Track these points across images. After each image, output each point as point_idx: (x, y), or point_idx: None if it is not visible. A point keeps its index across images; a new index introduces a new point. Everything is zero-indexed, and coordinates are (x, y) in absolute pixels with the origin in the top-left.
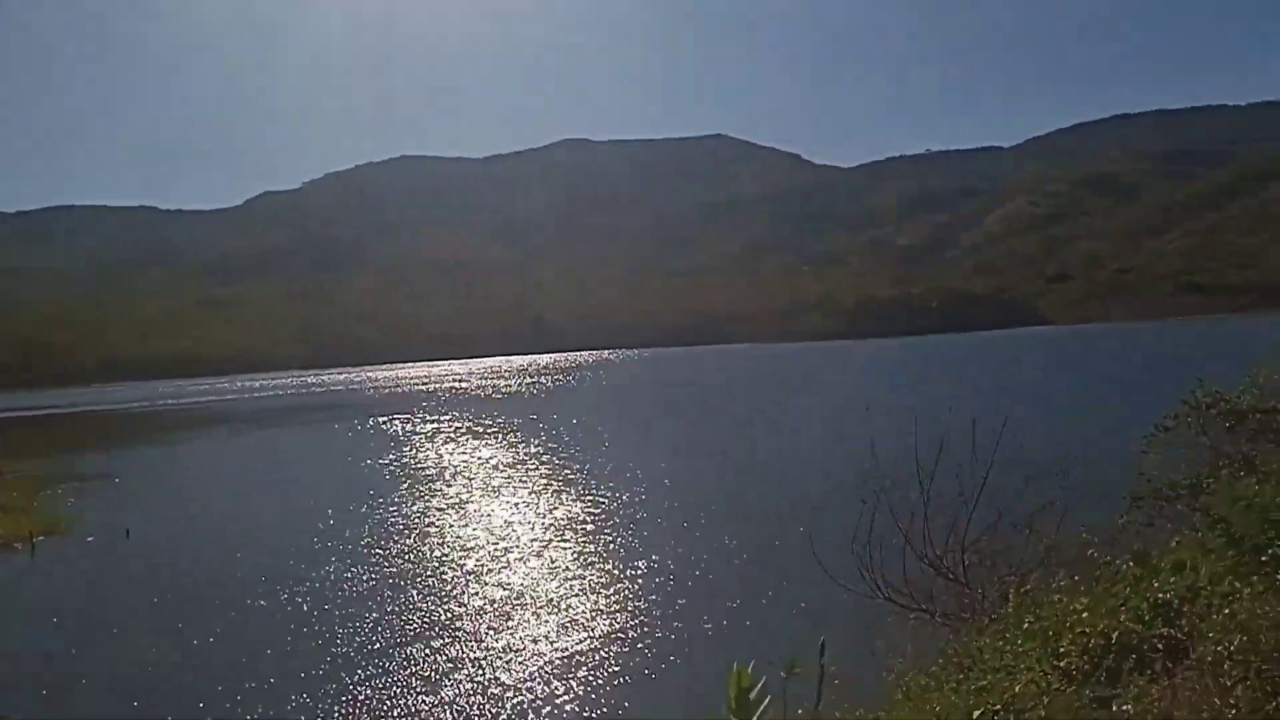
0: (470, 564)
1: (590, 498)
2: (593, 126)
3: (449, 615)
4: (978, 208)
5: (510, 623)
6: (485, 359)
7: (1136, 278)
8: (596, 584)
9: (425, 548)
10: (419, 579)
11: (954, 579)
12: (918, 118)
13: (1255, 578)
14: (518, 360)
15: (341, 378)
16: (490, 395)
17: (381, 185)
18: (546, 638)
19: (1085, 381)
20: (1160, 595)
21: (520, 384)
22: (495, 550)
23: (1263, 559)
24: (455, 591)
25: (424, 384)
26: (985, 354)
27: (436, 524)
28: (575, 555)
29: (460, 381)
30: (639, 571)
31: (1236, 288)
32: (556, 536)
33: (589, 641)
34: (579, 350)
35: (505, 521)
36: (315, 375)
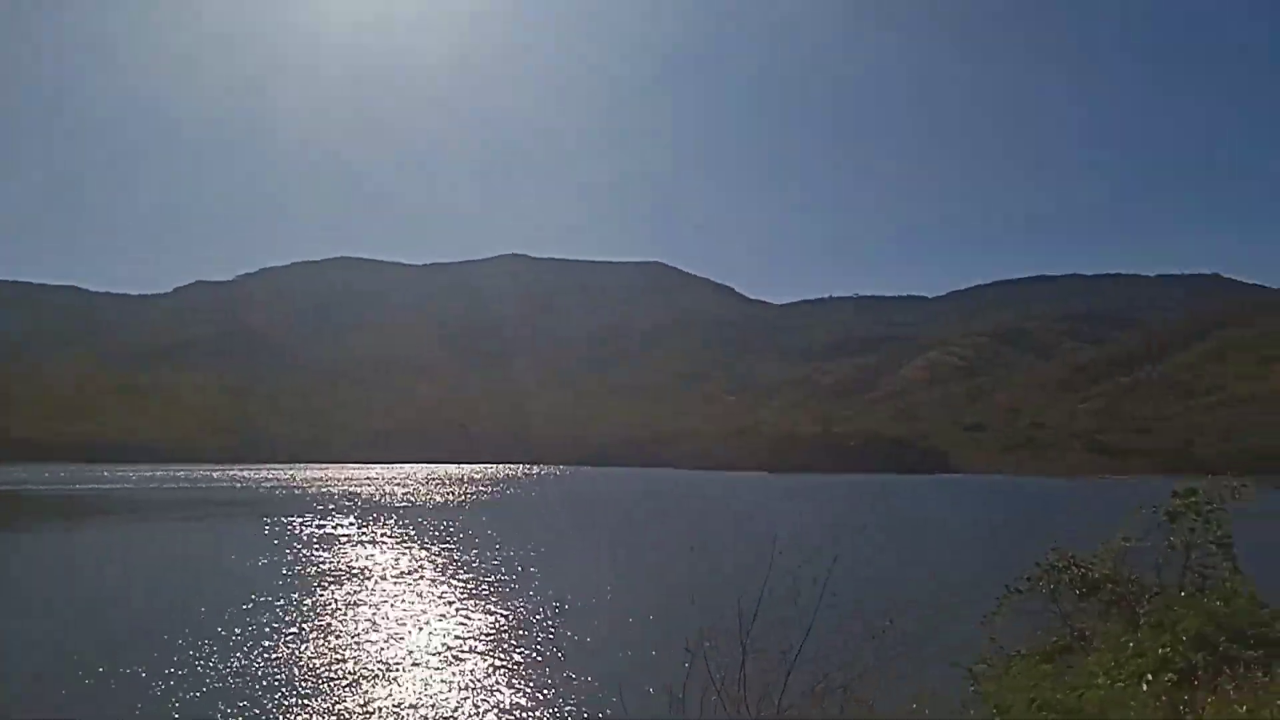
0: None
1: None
2: (534, 244)
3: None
4: (901, 353)
5: None
6: (411, 464)
7: (1049, 434)
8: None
9: (300, 649)
10: (286, 681)
11: None
12: (848, 261)
13: None
14: (442, 469)
15: (262, 475)
16: (409, 502)
17: (317, 284)
18: None
19: (969, 529)
20: None
21: (435, 493)
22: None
23: None
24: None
25: (346, 485)
26: (893, 496)
27: (317, 627)
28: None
29: (383, 486)
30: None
31: (1139, 452)
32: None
33: None
34: (502, 463)
35: (378, 627)
36: (235, 470)
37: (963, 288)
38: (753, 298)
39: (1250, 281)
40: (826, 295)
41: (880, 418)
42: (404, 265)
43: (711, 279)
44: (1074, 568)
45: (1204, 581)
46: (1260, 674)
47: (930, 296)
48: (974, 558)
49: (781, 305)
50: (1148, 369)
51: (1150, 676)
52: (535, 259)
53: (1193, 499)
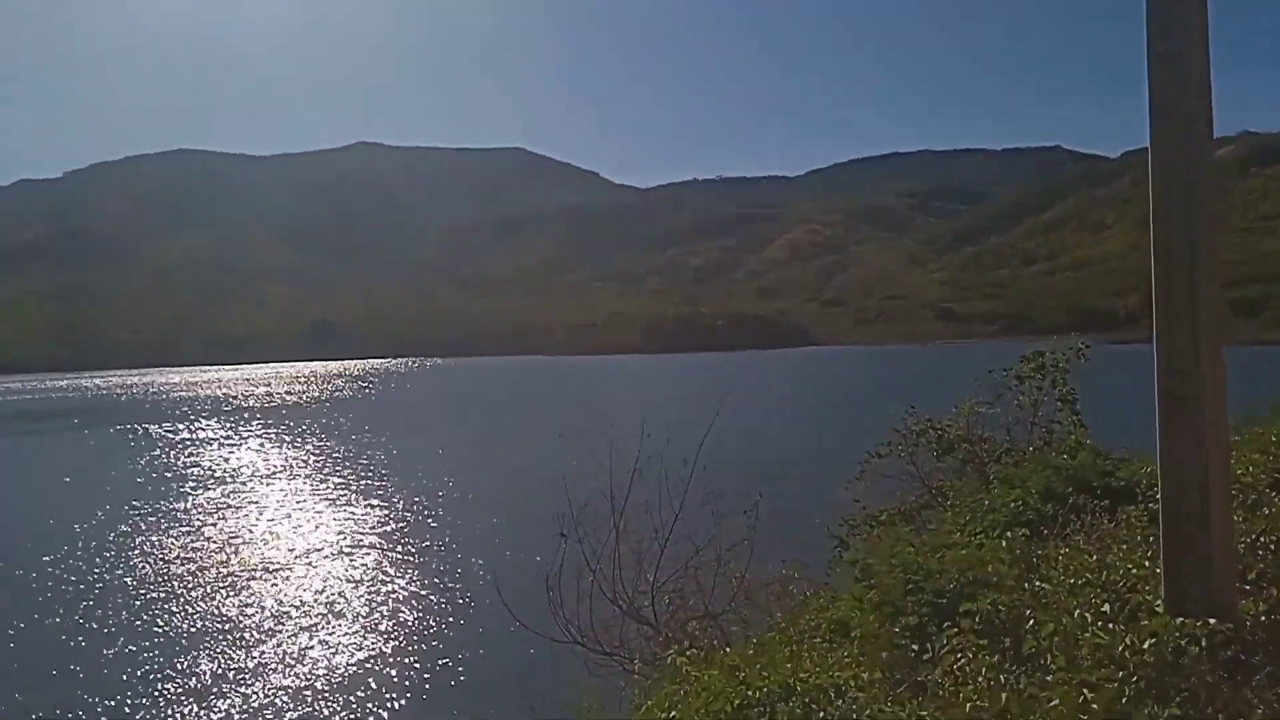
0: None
1: (337, 515)
2: (386, 132)
3: (201, 624)
4: (763, 234)
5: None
6: (262, 365)
7: (901, 305)
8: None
9: (177, 556)
10: (171, 586)
11: (645, 622)
12: (711, 144)
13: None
14: (301, 368)
15: (100, 382)
16: (269, 403)
17: (154, 179)
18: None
19: (830, 400)
20: (753, 690)
21: (294, 392)
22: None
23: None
24: (202, 599)
25: (201, 390)
26: (756, 371)
27: (191, 532)
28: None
29: (235, 388)
30: (304, 621)
31: (987, 316)
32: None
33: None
34: (365, 358)
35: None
36: (70, 379)
37: (822, 167)
38: (619, 183)
39: (1090, 152)
40: (691, 178)
41: (744, 297)
42: (248, 157)
43: (575, 164)
44: (930, 430)
45: (1051, 437)
46: (1107, 521)
47: (791, 176)
48: (837, 426)
49: (647, 190)
50: (993, 240)
51: (1009, 534)
52: (389, 148)
53: (1039, 360)
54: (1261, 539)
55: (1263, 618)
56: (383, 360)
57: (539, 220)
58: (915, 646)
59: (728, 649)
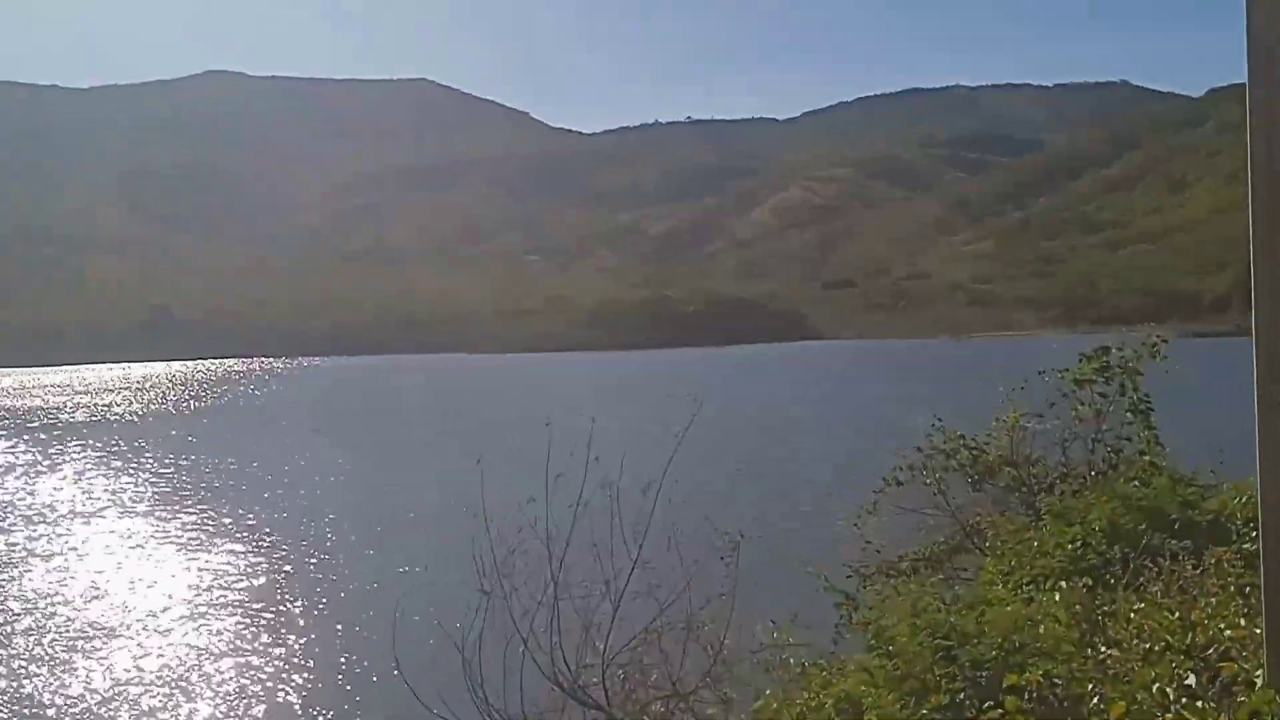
0: None
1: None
2: (246, 57)
3: None
4: (746, 193)
5: None
6: (84, 366)
7: (925, 287)
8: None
9: None
10: None
11: (593, 705)
12: (677, 78)
13: None
14: (132, 370)
15: None
16: (97, 416)
17: None
18: None
19: (834, 409)
20: None
21: (129, 401)
22: None
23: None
24: None
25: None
26: (739, 372)
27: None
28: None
29: (48, 396)
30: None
31: (1036, 300)
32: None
33: None
34: (221, 357)
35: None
36: None
37: (820, 107)
38: (556, 126)
39: (1166, 90)
40: (652, 120)
41: (723, 276)
42: (62, 90)
43: (500, 102)
44: (964, 449)
45: (1118, 458)
46: (1191, 567)
47: (781, 119)
48: (840, 444)
49: (595, 135)
50: (1043, 202)
51: (1065, 585)
52: (251, 78)
53: (1103, 359)
54: None
55: None
56: (245, 359)
57: (451, 173)
58: None
59: None
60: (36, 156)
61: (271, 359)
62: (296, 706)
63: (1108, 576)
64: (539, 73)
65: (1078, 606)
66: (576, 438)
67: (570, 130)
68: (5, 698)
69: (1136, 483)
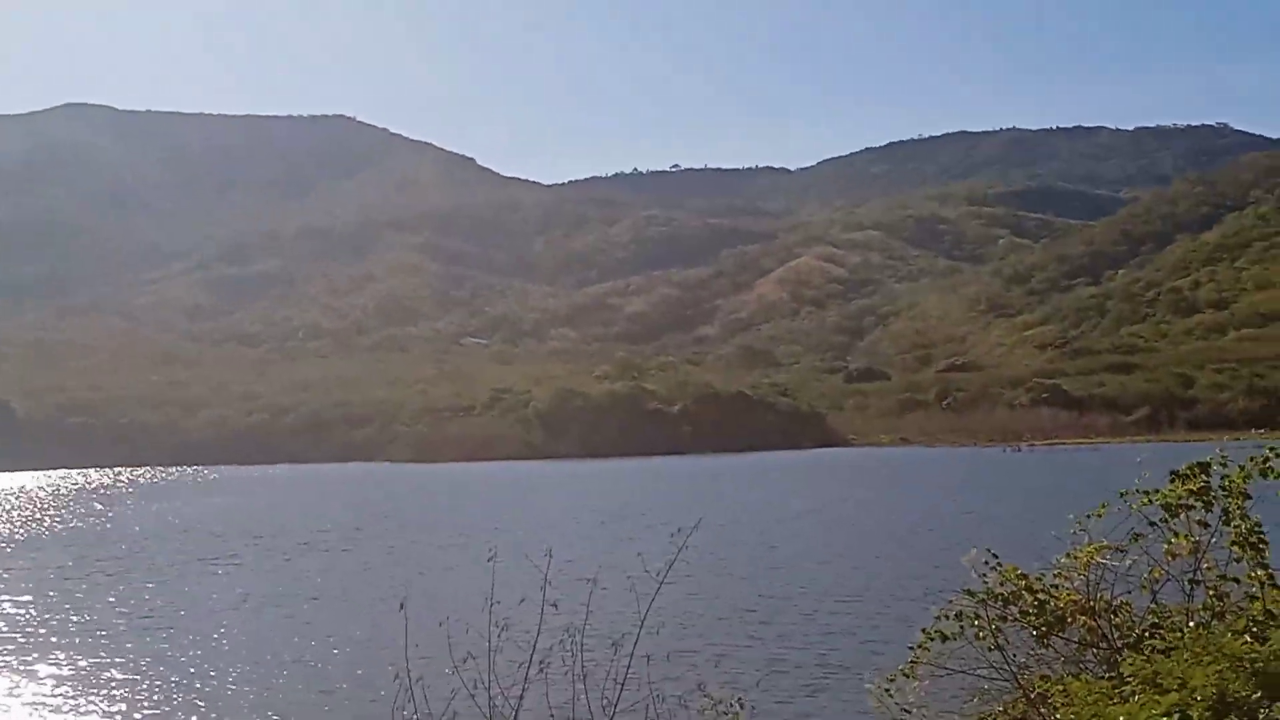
0: None
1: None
2: (109, 89)
3: None
4: (749, 261)
5: None
6: None
7: (977, 380)
8: None
9: None
10: None
11: None
12: (661, 120)
13: None
14: None
15: None
16: None
17: None
18: None
19: (858, 537)
20: None
21: None
22: None
23: None
24: None
25: None
26: (736, 490)
27: None
28: None
29: None
30: None
31: (1115, 401)
32: None
33: None
34: (57, 468)
35: None
36: None
37: (842, 154)
38: (508, 175)
39: (1277, 136)
40: (630, 169)
41: (718, 366)
42: None
43: (438, 145)
44: (1027, 593)
45: (1224, 605)
46: None
47: (794, 169)
48: (867, 583)
49: (556, 187)
50: (1123, 276)
51: None
52: (116, 112)
53: (1202, 479)
54: None
55: None
56: (95, 470)
57: (373, 235)
58: None
59: None
60: None
61: (132, 467)
62: None
63: None
64: (487, 108)
65: None
66: (528, 576)
67: (525, 180)
68: None
69: (1248, 637)
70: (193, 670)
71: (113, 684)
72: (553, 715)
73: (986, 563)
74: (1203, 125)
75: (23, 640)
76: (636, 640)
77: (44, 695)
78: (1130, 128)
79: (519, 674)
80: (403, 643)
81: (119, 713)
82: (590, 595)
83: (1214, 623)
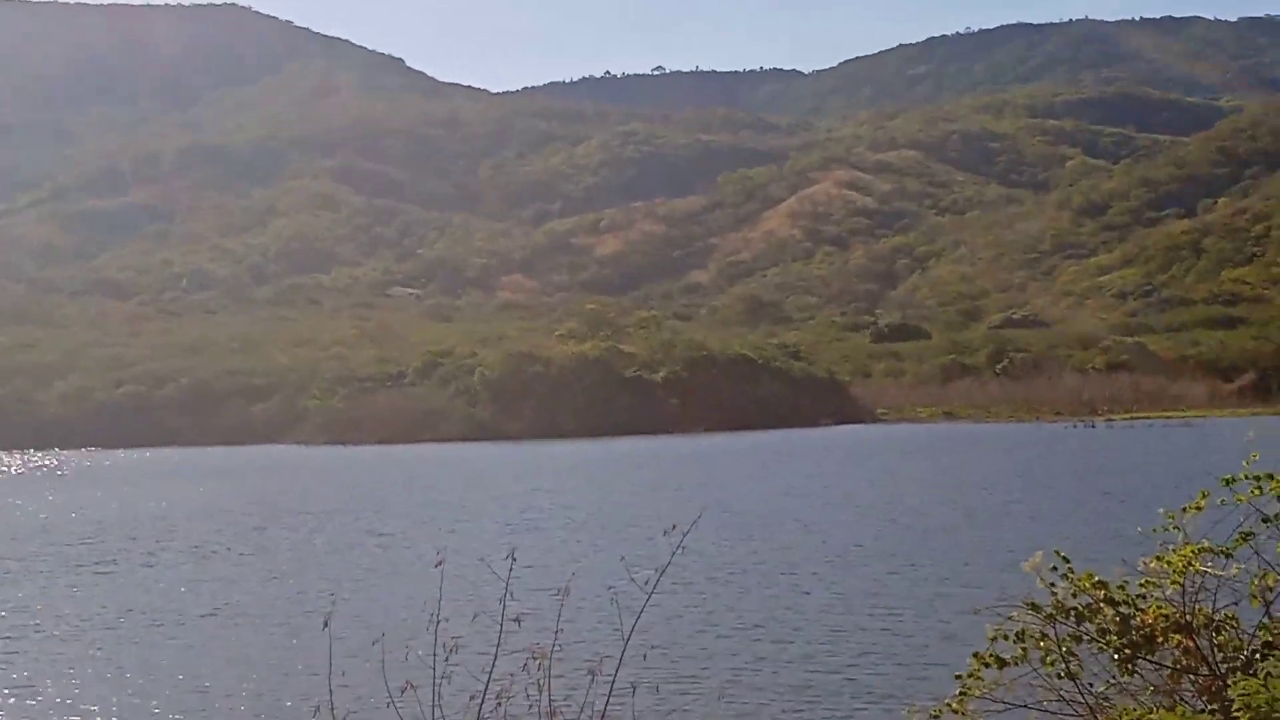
0: None
1: None
2: None
3: None
4: (755, 188)
5: None
6: None
7: (1039, 337)
8: None
9: None
10: None
11: None
12: (642, 12)
13: None
14: None
15: None
16: None
17: None
18: None
19: (894, 539)
20: None
21: None
22: None
23: None
24: None
25: None
26: (740, 474)
27: None
28: None
29: None
30: None
31: (1215, 363)
32: None
33: None
34: None
35: None
36: None
37: (868, 53)
38: (446, 80)
39: None
40: (602, 73)
41: (713, 321)
42: None
43: (357, 43)
44: (1107, 608)
45: None
46: None
47: (807, 72)
48: (904, 593)
49: (510, 95)
50: (1223, 207)
51: None
52: None
53: None
54: None
55: None
56: None
57: (277, 157)
58: None
59: None
60: None
61: None
62: None
63: None
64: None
65: None
66: (483, 586)
67: (471, 88)
68: None
69: None
70: (59, 703)
71: None
72: None
73: (1055, 568)
74: None
75: None
76: (619, 665)
77: None
78: (1233, 18)
79: (471, 708)
80: (326, 669)
81: None
82: (561, 609)
83: None
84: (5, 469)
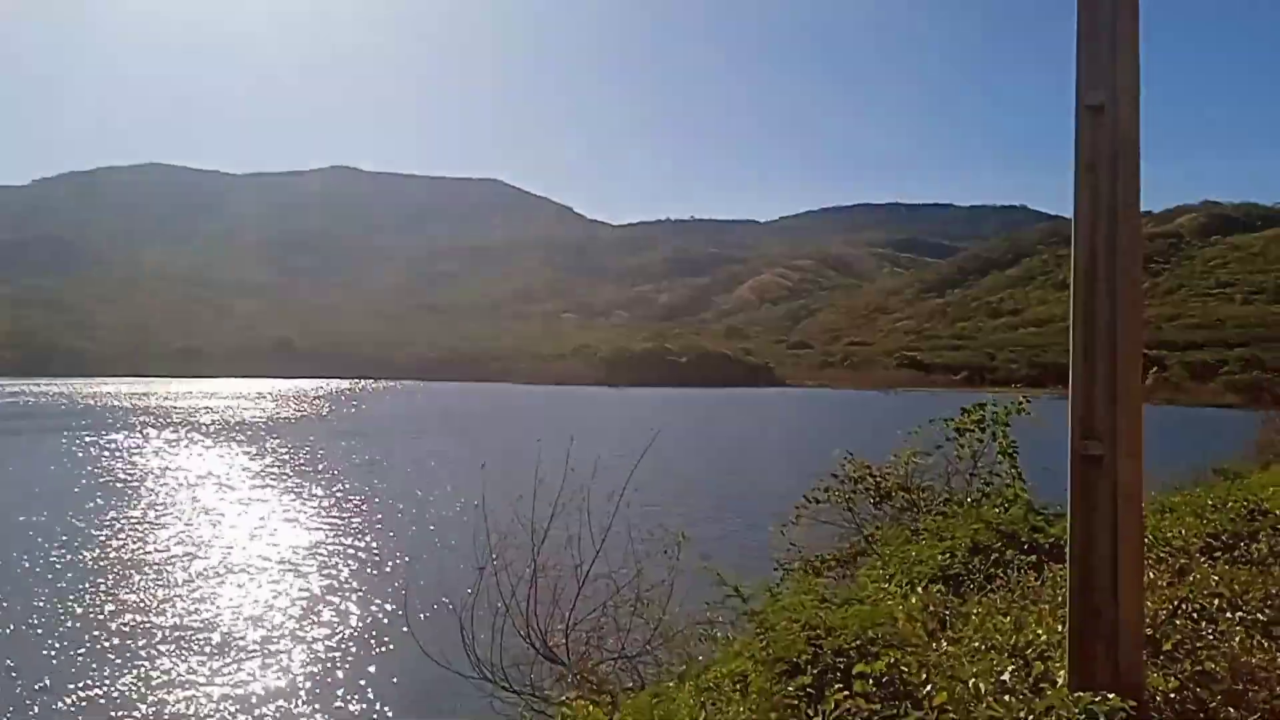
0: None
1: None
2: (363, 156)
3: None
4: (733, 275)
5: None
6: (222, 379)
7: (864, 351)
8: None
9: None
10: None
11: (557, 661)
12: (684, 185)
13: None
14: (259, 384)
15: (56, 389)
16: (231, 418)
17: (125, 190)
18: None
19: (783, 441)
20: None
21: (258, 408)
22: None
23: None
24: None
25: (161, 400)
26: (716, 406)
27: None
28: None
29: (193, 400)
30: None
31: (951, 366)
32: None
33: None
34: (326, 378)
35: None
36: (24, 384)
37: (791, 214)
38: (591, 218)
39: (1052, 213)
40: (664, 217)
41: (711, 336)
42: (222, 174)
43: (551, 198)
44: (869, 476)
45: (989, 489)
46: (1033, 579)
47: (762, 221)
48: (785, 468)
49: (620, 226)
50: (957, 294)
51: (920, 588)
52: (364, 172)
53: (980, 413)
54: (1183, 606)
55: (1171, 694)
56: (343, 380)
57: (511, 250)
58: (810, 711)
59: (635, 693)
60: (196, 222)
61: (365, 379)
62: (323, 650)
63: (966, 584)
64: (579, 175)
65: (930, 607)
66: (572, 453)
67: (601, 222)
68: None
69: (999, 509)
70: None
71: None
72: (568, 536)
73: (846, 457)
74: (1010, 205)
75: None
76: (621, 494)
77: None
78: (966, 205)
79: (549, 510)
80: (487, 487)
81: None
82: (597, 465)
83: (982, 500)
84: (388, 389)
